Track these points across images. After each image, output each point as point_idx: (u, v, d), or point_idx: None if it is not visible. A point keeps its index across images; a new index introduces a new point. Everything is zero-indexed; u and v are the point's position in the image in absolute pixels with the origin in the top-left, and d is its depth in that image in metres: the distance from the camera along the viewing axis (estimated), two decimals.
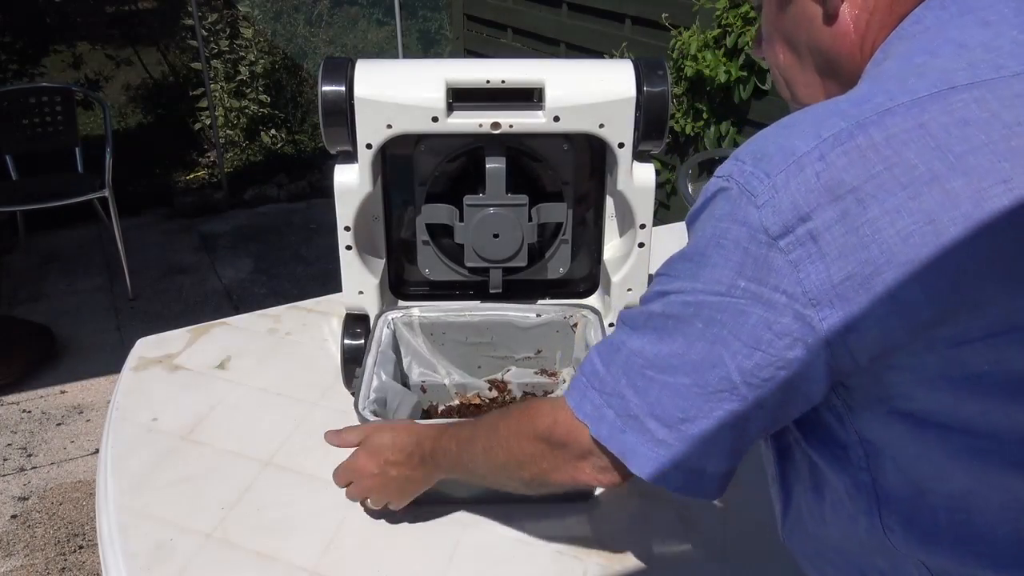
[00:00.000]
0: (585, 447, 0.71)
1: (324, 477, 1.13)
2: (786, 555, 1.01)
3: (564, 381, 1.26)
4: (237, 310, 3.64)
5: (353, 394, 1.08)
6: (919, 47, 0.61)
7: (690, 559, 1.00)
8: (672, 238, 1.90)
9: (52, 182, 3.86)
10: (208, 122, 5.16)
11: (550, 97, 1.12)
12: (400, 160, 1.24)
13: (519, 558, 0.99)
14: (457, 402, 1.27)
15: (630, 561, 0.99)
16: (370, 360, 1.14)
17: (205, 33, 5.18)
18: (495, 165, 1.19)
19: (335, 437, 1.03)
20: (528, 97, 1.15)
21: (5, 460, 2.73)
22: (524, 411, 0.80)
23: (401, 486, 0.97)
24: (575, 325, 1.24)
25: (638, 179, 1.19)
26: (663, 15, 4.00)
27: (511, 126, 1.13)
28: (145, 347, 1.45)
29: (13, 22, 5.12)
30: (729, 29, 3.62)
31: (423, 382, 1.27)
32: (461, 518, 1.06)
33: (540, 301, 1.33)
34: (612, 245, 1.31)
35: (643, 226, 1.22)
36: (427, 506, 1.05)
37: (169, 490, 1.10)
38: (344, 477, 1.01)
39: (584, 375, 0.70)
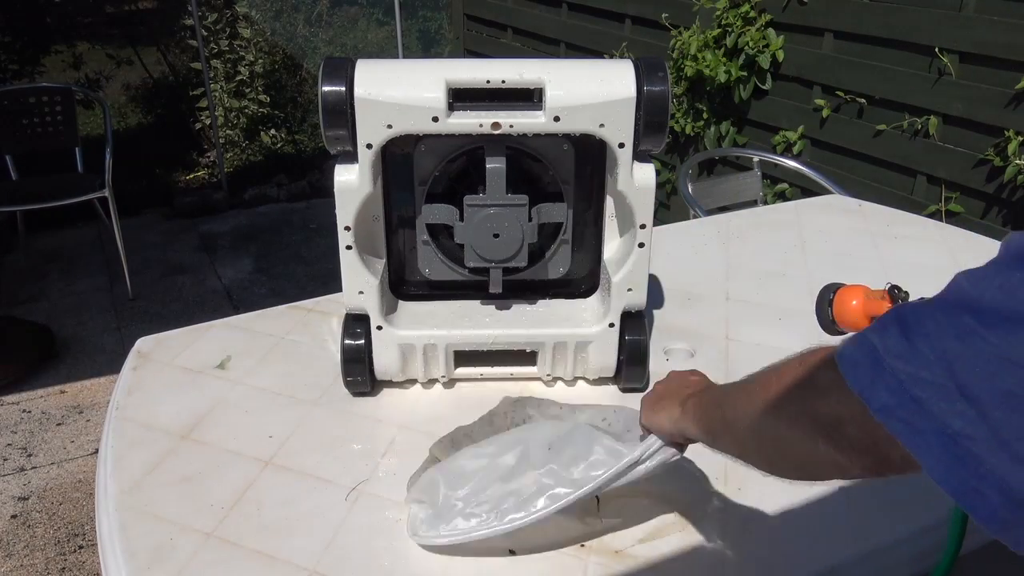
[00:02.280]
0: (870, 444, 0.56)
1: (324, 477, 1.13)
2: (786, 555, 1.01)
3: None
4: (237, 310, 3.64)
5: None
6: None
7: (690, 559, 1.00)
8: (672, 238, 1.90)
9: (52, 182, 3.86)
10: (208, 122, 5.16)
11: (550, 97, 1.11)
12: (400, 160, 1.24)
13: (519, 558, 0.99)
14: None
15: (630, 561, 0.99)
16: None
17: (205, 33, 5.19)
18: (495, 165, 1.19)
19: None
20: (528, 97, 1.15)
21: (5, 460, 2.73)
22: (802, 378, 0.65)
23: (673, 397, 0.92)
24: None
25: (638, 179, 1.19)
26: (663, 15, 4.00)
27: (511, 126, 1.13)
28: (145, 347, 1.45)
29: (13, 22, 5.12)
30: (729, 29, 3.62)
31: None
32: None
33: (540, 301, 1.34)
34: (612, 245, 1.31)
35: (643, 226, 1.22)
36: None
37: (169, 490, 1.10)
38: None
39: (876, 342, 0.54)
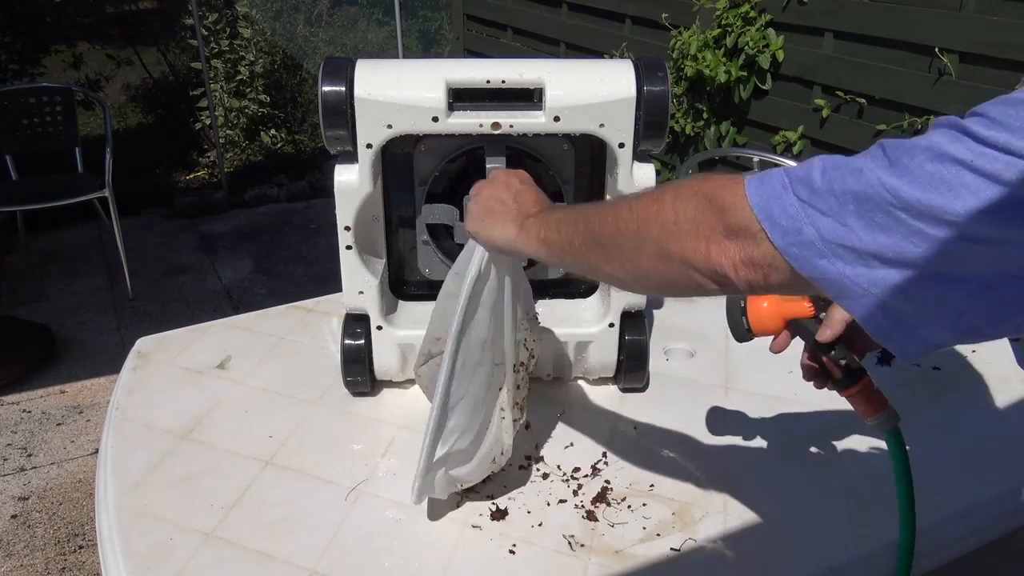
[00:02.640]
0: (743, 228, 0.62)
1: (324, 477, 1.13)
2: (786, 555, 1.01)
3: None
4: (237, 310, 3.64)
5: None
6: None
7: (690, 559, 1.00)
8: None
9: (52, 182, 3.86)
10: (208, 122, 5.16)
11: (550, 97, 1.12)
12: (400, 160, 1.24)
13: (519, 558, 0.99)
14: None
15: (630, 561, 0.99)
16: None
17: (205, 33, 5.18)
18: (495, 165, 1.19)
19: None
20: (528, 97, 1.15)
21: (5, 460, 2.73)
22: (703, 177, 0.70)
23: (506, 212, 0.92)
24: None
25: (638, 179, 1.19)
26: (663, 15, 4.00)
27: (511, 126, 1.13)
28: (145, 347, 1.45)
29: (13, 22, 5.12)
30: (729, 29, 3.62)
31: None
32: (461, 518, 1.06)
33: (540, 301, 1.33)
34: None
35: None
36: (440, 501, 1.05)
37: (169, 490, 1.10)
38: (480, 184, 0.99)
39: (786, 174, 0.61)
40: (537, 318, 1.17)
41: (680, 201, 0.68)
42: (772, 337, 0.99)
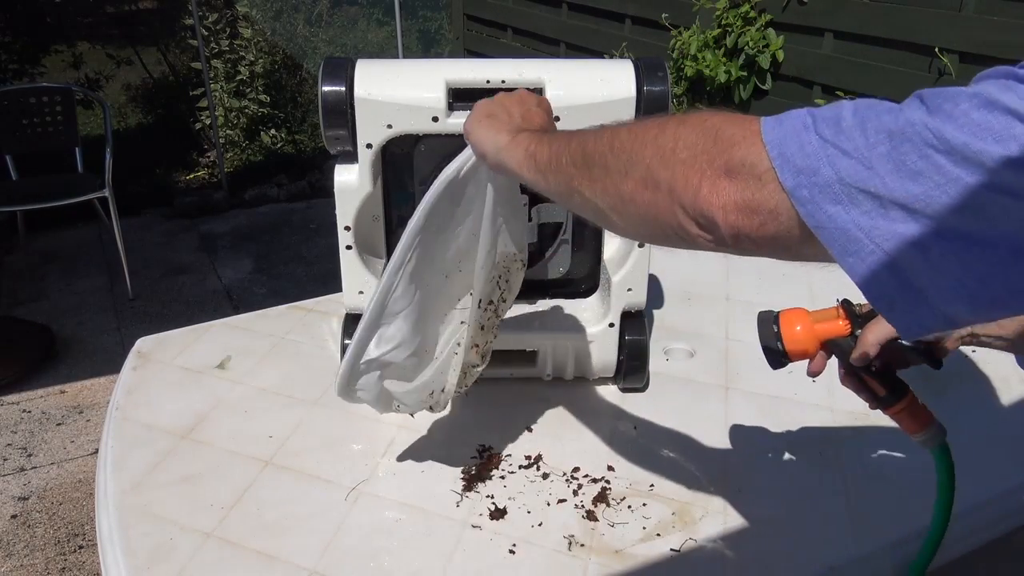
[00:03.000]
0: (747, 166, 0.55)
1: (324, 477, 1.13)
2: (786, 555, 1.01)
3: None
4: (237, 310, 3.64)
5: None
6: None
7: (690, 559, 1.00)
8: None
9: (52, 182, 3.86)
10: (208, 122, 5.16)
11: (550, 97, 1.11)
12: (400, 160, 1.24)
13: (519, 558, 0.99)
14: None
15: (630, 561, 0.99)
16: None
17: (205, 33, 5.18)
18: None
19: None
20: None
21: (5, 460, 2.73)
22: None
23: (507, 121, 0.86)
24: None
25: None
26: (663, 15, 4.00)
27: None
28: (145, 347, 1.45)
29: (13, 22, 5.12)
30: (729, 29, 3.62)
31: None
32: (461, 518, 1.06)
33: (540, 301, 1.33)
34: (612, 245, 1.31)
35: None
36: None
37: (169, 490, 1.10)
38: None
39: (810, 113, 0.54)
40: (523, 264, 1.09)
41: (684, 128, 0.61)
42: (808, 361, 0.95)
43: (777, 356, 0.96)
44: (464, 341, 1.06)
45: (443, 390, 1.08)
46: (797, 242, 0.55)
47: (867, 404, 0.92)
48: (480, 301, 1.04)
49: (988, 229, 0.48)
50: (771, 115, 0.56)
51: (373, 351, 1.01)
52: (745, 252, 0.59)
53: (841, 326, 0.91)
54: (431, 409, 1.12)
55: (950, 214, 0.48)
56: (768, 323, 0.97)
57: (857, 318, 0.90)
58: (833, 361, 0.94)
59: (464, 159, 0.93)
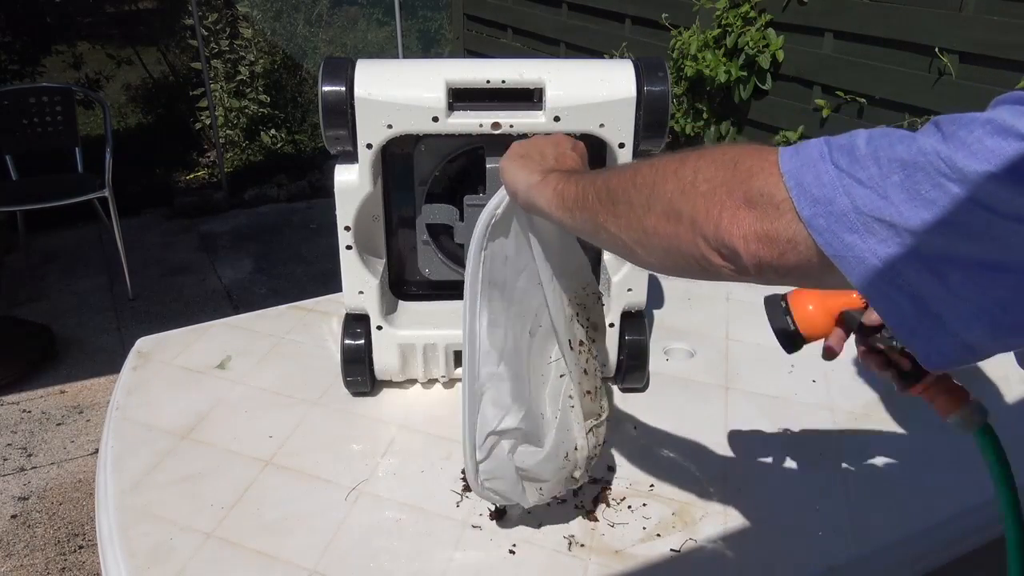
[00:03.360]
0: (766, 196, 0.56)
1: (324, 477, 1.13)
2: (786, 555, 1.01)
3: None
4: (237, 310, 3.64)
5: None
6: None
7: (690, 559, 1.00)
8: None
9: (52, 182, 3.86)
10: (208, 122, 5.16)
11: (550, 97, 1.12)
12: (400, 160, 1.24)
13: (519, 558, 0.99)
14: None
15: (630, 561, 0.99)
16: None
17: (205, 33, 5.18)
18: (495, 165, 1.18)
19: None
20: (528, 97, 1.15)
21: (5, 460, 2.73)
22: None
23: (540, 162, 0.86)
24: None
25: None
26: (663, 15, 4.00)
27: (511, 126, 1.13)
28: (145, 347, 1.45)
29: (13, 22, 5.12)
30: (729, 29, 3.62)
31: None
32: (461, 518, 1.06)
33: None
34: None
35: None
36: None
37: (169, 490, 1.10)
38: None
39: (826, 143, 0.55)
40: (599, 296, 1.05)
41: (703, 161, 0.62)
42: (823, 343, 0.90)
43: (791, 338, 0.92)
44: (574, 391, 1.00)
45: (576, 449, 1.00)
46: (817, 271, 0.55)
47: (895, 386, 0.85)
48: (570, 343, 0.99)
49: (1006, 256, 0.48)
50: (787, 147, 0.57)
51: (490, 421, 0.95)
52: (768, 281, 0.59)
53: (856, 298, 0.87)
54: (574, 481, 1.03)
55: (966, 240, 0.48)
56: (777, 304, 0.93)
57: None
58: (851, 343, 0.89)
59: (499, 200, 0.91)
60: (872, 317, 0.84)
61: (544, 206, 0.81)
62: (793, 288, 0.91)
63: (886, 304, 0.53)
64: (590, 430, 1.01)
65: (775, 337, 0.93)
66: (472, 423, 0.95)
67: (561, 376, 1.00)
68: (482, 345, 0.93)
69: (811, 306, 0.90)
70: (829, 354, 0.92)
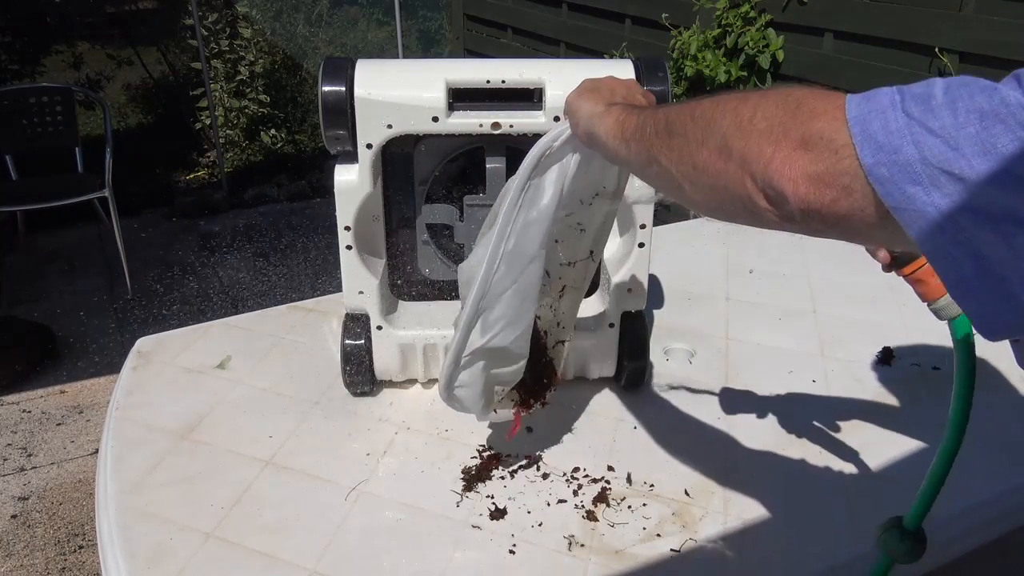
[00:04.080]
0: (825, 139, 0.53)
1: (324, 477, 1.13)
2: (786, 555, 1.01)
3: None
4: (237, 310, 3.64)
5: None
6: None
7: (690, 559, 1.00)
8: (672, 238, 1.90)
9: (52, 182, 3.86)
10: (208, 122, 5.16)
11: (550, 97, 1.12)
12: (400, 160, 1.24)
13: (519, 558, 0.99)
14: None
15: (630, 561, 0.99)
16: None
17: (205, 33, 5.18)
18: (495, 165, 1.19)
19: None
20: (528, 97, 1.15)
21: (5, 460, 2.73)
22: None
23: (609, 96, 0.86)
24: None
25: (638, 179, 1.19)
26: (663, 15, 4.00)
27: (511, 126, 1.13)
28: (145, 347, 1.45)
29: (13, 22, 5.12)
30: (729, 29, 3.62)
31: None
32: (461, 518, 1.06)
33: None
34: (612, 245, 1.31)
35: (643, 226, 1.22)
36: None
37: (169, 490, 1.10)
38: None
39: (898, 91, 0.52)
40: (593, 259, 1.10)
41: (765, 99, 0.59)
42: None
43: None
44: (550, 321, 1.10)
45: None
46: (870, 223, 0.52)
47: (881, 265, 0.85)
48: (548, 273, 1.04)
49: None
50: (856, 94, 0.55)
51: (477, 340, 0.99)
52: (813, 231, 0.56)
53: None
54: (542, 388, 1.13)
55: None
56: None
57: None
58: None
59: (557, 133, 0.92)
60: None
61: (603, 135, 0.80)
62: None
63: (944, 262, 0.50)
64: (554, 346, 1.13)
65: None
66: (466, 334, 0.99)
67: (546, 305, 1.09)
68: (501, 267, 0.96)
69: None
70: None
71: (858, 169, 0.51)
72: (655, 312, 1.57)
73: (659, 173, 0.70)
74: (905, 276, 0.83)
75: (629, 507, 1.08)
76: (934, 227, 0.49)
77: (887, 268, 0.85)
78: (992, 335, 0.51)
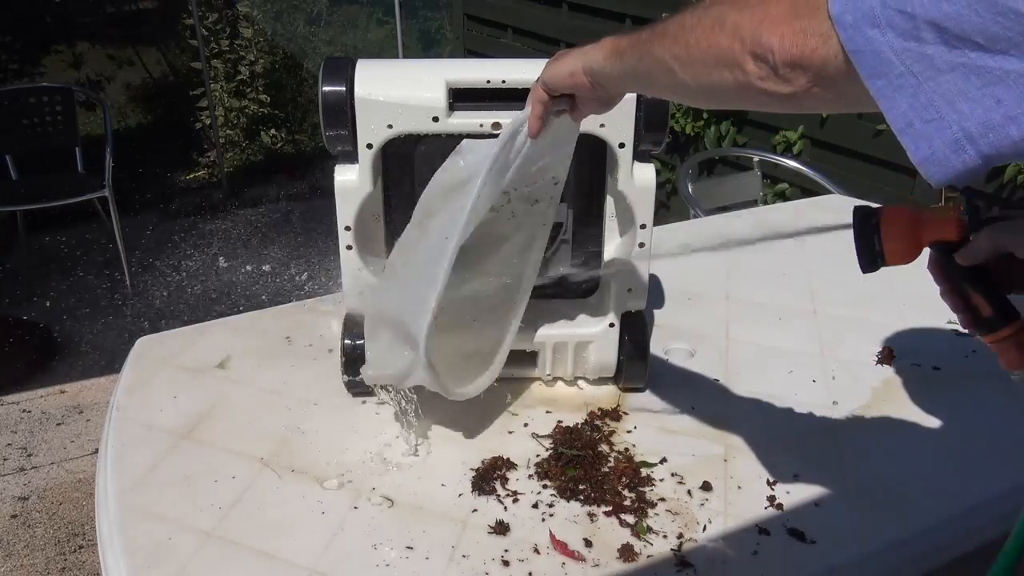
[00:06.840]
0: (813, 5, 0.57)
1: (324, 477, 1.13)
2: (786, 555, 1.01)
3: None
4: (237, 310, 3.64)
5: None
6: None
7: (690, 559, 1.00)
8: (672, 238, 1.90)
9: (52, 182, 3.86)
10: (208, 122, 5.16)
11: None
12: (400, 160, 1.24)
13: (519, 558, 0.99)
14: None
15: (630, 561, 0.99)
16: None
17: (205, 33, 5.18)
18: None
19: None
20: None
21: (5, 460, 2.73)
22: None
23: (586, 57, 0.87)
24: None
25: (638, 179, 1.19)
26: (663, 15, 4.00)
27: None
28: (145, 346, 1.45)
29: (13, 22, 5.12)
30: None
31: None
32: (461, 518, 1.06)
33: (540, 301, 1.33)
34: (612, 245, 1.31)
35: (643, 226, 1.22)
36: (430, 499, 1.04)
37: (169, 489, 1.10)
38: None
39: None
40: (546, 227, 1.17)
41: None
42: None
43: (872, 257, 0.87)
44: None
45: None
46: (843, 76, 0.56)
47: (968, 331, 0.82)
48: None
49: (1014, 48, 0.48)
50: None
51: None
52: (798, 96, 0.60)
53: (952, 229, 0.80)
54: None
55: (978, 33, 0.49)
56: (868, 218, 0.87)
57: (976, 220, 0.79)
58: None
59: (521, 119, 0.96)
60: (963, 255, 0.80)
61: (600, 63, 0.83)
62: (887, 206, 0.88)
63: (891, 98, 0.53)
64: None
65: (855, 251, 0.89)
66: (443, 286, 1.01)
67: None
68: (469, 226, 1.00)
69: (903, 226, 0.85)
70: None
71: (829, 20, 0.55)
72: (655, 312, 1.57)
73: (650, 65, 0.74)
74: (988, 344, 0.81)
75: (629, 507, 1.08)
76: (885, 66, 0.53)
77: (973, 334, 0.83)
78: (934, 176, 0.54)
